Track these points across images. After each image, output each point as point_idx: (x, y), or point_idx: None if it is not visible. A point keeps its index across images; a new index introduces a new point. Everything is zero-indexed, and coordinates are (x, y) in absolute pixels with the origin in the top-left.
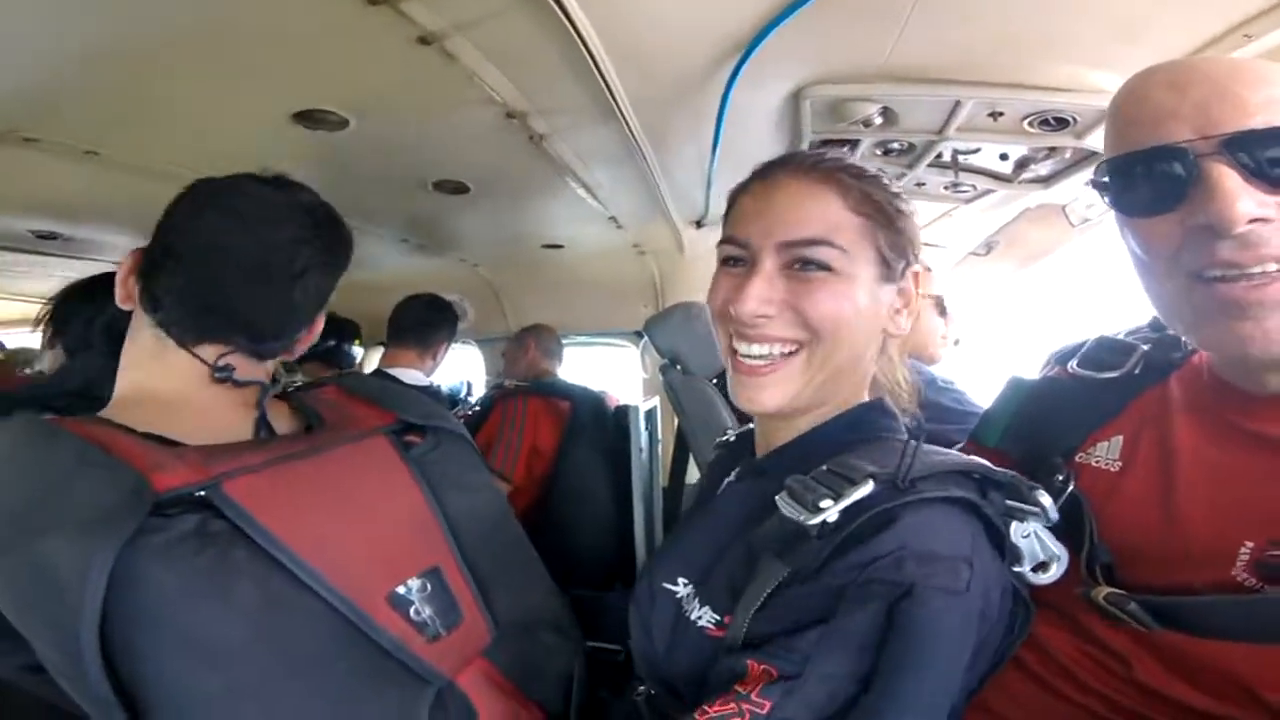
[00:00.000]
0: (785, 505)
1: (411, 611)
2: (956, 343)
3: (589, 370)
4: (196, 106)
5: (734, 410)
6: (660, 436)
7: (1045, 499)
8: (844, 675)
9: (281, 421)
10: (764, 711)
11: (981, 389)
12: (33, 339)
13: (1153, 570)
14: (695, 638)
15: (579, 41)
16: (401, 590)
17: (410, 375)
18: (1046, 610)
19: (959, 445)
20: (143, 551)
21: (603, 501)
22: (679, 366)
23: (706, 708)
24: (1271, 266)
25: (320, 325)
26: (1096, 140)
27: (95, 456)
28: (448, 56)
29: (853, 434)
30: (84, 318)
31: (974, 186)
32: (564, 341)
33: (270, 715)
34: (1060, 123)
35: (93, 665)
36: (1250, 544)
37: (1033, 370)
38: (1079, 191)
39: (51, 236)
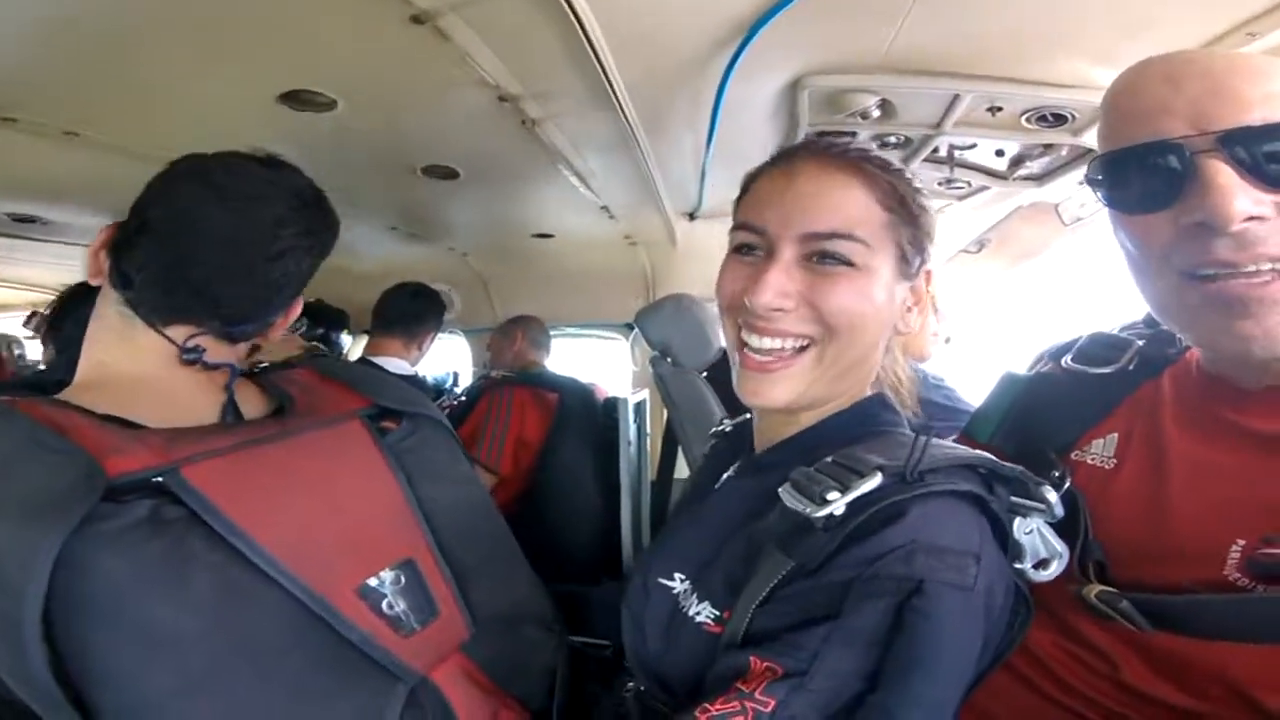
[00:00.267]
0: (790, 497)
1: (384, 605)
2: (947, 340)
3: (578, 362)
4: (179, 86)
5: (725, 403)
6: (649, 430)
7: (1051, 495)
8: (851, 672)
9: (250, 404)
10: (768, 710)
11: (972, 387)
12: (13, 324)
13: (1145, 569)
14: (692, 634)
15: (576, 23)
16: (373, 582)
17: (395, 365)
18: (1037, 610)
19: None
20: (92, 539)
21: (590, 495)
22: (669, 359)
23: (708, 706)
24: (1266, 265)
25: (298, 309)
26: (1093, 138)
27: (47, 439)
28: (441, 36)
29: (857, 428)
30: (77, 317)
31: (968, 183)
32: (553, 333)
33: (227, 710)
34: (1058, 119)
35: (35, 659)
36: (1241, 542)
37: (1023, 367)
38: (1072, 190)
39: (29, 220)
